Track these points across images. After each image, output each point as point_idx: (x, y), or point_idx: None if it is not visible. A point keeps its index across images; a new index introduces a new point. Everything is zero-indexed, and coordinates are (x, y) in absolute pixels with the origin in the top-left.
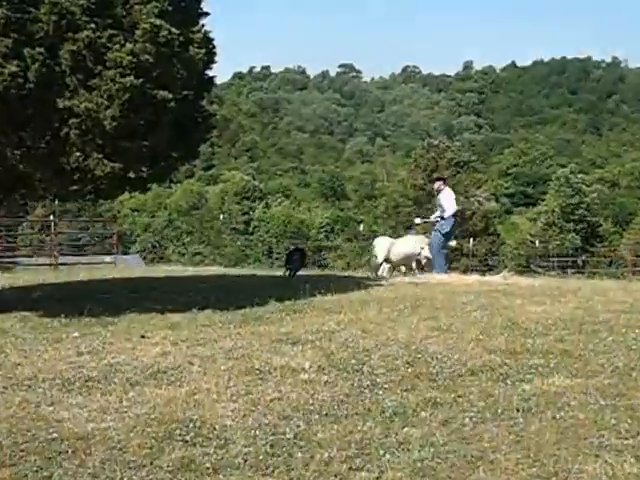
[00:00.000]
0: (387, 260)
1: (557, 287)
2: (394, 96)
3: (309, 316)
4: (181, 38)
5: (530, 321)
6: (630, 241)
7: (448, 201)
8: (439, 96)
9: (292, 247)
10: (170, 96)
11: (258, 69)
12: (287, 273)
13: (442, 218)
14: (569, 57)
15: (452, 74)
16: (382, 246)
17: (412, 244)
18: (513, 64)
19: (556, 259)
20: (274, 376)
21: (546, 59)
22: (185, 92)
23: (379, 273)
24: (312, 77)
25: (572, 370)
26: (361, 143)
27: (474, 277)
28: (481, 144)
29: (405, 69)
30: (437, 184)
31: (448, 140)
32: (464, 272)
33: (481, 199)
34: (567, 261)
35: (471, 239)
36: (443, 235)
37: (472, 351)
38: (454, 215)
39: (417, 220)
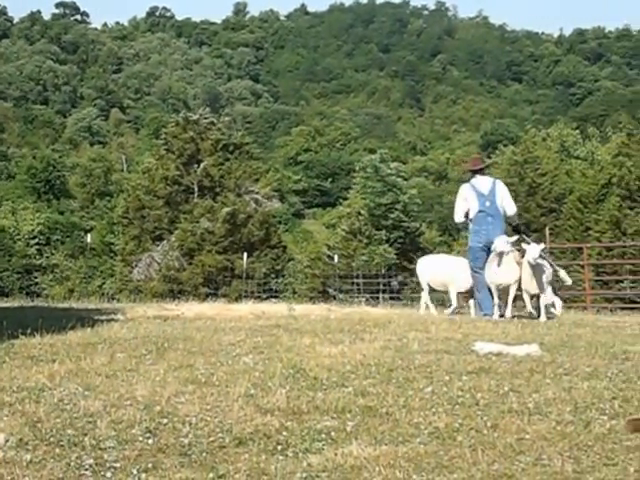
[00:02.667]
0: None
1: (361, 320)
2: (136, 50)
3: (7, 368)
4: None
5: (321, 368)
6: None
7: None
8: (200, 51)
9: None
10: None
11: None
12: None
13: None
14: (379, 1)
15: (218, 21)
16: None
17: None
18: (303, 9)
19: (363, 280)
20: None
21: (348, 3)
22: None
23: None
24: (16, 21)
25: (377, 434)
26: (89, 117)
27: (247, 307)
28: (260, 120)
29: (152, 13)
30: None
31: (213, 114)
32: (235, 300)
33: (260, 197)
34: (378, 283)
35: (245, 254)
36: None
37: (240, 412)
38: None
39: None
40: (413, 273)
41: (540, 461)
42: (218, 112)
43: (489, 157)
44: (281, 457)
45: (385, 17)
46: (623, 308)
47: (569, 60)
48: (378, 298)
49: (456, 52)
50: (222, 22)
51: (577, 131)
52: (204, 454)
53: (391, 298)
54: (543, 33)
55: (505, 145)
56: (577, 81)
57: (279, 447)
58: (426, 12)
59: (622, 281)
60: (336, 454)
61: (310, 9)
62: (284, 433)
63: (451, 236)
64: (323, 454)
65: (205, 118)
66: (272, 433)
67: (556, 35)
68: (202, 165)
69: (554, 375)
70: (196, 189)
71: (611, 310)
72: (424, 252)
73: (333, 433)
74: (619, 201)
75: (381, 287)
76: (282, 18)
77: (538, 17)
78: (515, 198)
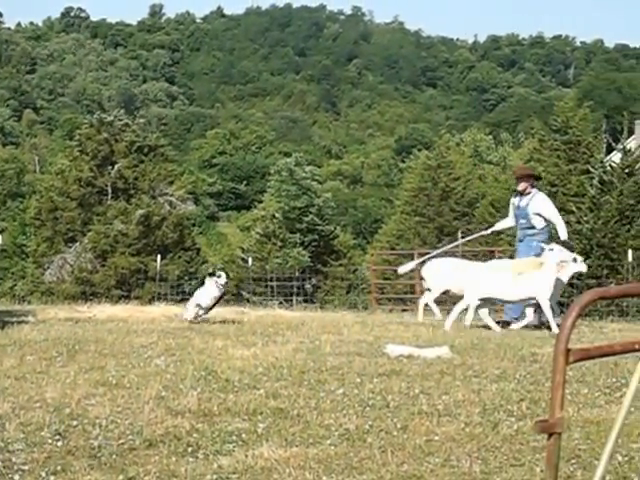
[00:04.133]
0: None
1: (273, 322)
2: (50, 51)
3: None
4: None
5: (233, 370)
6: (374, 258)
7: (553, 211)
8: (115, 53)
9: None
10: None
11: None
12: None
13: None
14: (296, 5)
15: (134, 22)
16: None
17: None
18: (219, 11)
19: (276, 283)
20: None
21: (264, 6)
22: None
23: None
24: None
25: (287, 436)
26: (2, 117)
27: (160, 309)
28: (175, 122)
29: (67, 13)
30: (522, 185)
31: (128, 115)
32: (149, 302)
33: (174, 200)
34: (292, 286)
35: (159, 256)
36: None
37: (151, 414)
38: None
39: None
40: (327, 276)
41: (449, 462)
42: (133, 114)
43: (403, 162)
44: (191, 459)
45: (301, 21)
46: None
47: (483, 66)
48: (292, 301)
49: (372, 57)
50: (138, 23)
51: (490, 136)
52: (114, 456)
53: (305, 301)
54: (458, 39)
55: (419, 150)
56: (491, 87)
57: (189, 449)
58: (342, 17)
59: None
60: (247, 456)
61: (226, 12)
62: (195, 435)
63: (365, 239)
64: (234, 456)
65: (120, 120)
66: (183, 435)
67: (470, 41)
68: (116, 167)
69: (464, 377)
70: (110, 191)
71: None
72: (338, 255)
73: (244, 435)
74: None
75: (295, 290)
76: (198, 20)
77: (453, 23)
78: (428, 203)
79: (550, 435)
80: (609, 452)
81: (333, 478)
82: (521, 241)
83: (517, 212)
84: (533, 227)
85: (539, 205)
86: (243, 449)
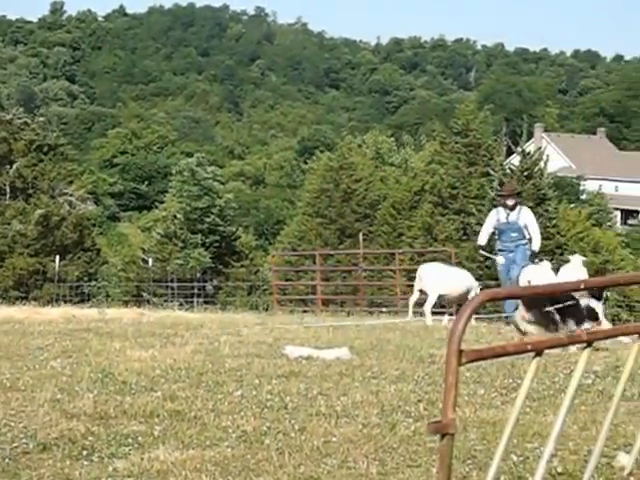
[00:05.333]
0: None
1: (172, 324)
2: None
3: None
4: None
5: (131, 372)
6: (276, 259)
7: (536, 224)
8: (15, 50)
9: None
10: None
11: None
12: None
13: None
14: (199, 5)
15: (34, 20)
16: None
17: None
18: (121, 10)
19: (177, 284)
20: None
21: (167, 5)
22: None
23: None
24: None
25: (184, 439)
26: None
27: (58, 311)
28: (76, 121)
29: None
30: (512, 201)
31: (27, 114)
32: (48, 304)
33: (74, 200)
34: (192, 287)
35: (57, 257)
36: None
37: (46, 417)
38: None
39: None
40: (228, 277)
41: (346, 463)
42: (32, 112)
43: (305, 163)
44: (86, 462)
45: (204, 21)
46: (434, 313)
47: (385, 68)
48: (193, 302)
49: (275, 58)
50: (38, 21)
51: (392, 138)
52: (7, 460)
53: (206, 302)
54: (361, 41)
55: (322, 151)
56: (393, 89)
57: (84, 452)
58: (245, 17)
59: None
60: (142, 459)
61: (129, 11)
62: (90, 438)
63: (267, 240)
64: (129, 459)
65: (19, 118)
66: (78, 438)
67: (373, 43)
68: (15, 166)
69: (362, 378)
70: (8, 190)
71: (421, 315)
72: (239, 256)
73: (140, 438)
74: (431, 208)
75: (196, 291)
76: (100, 19)
77: (356, 25)
78: (330, 204)
79: (443, 436)
80: (502, 452)
81: (229, 478)
82: (512, 251)
83: (506, 226)
84: (524, 237)
85: (528, 218)
86: (139, 452)
